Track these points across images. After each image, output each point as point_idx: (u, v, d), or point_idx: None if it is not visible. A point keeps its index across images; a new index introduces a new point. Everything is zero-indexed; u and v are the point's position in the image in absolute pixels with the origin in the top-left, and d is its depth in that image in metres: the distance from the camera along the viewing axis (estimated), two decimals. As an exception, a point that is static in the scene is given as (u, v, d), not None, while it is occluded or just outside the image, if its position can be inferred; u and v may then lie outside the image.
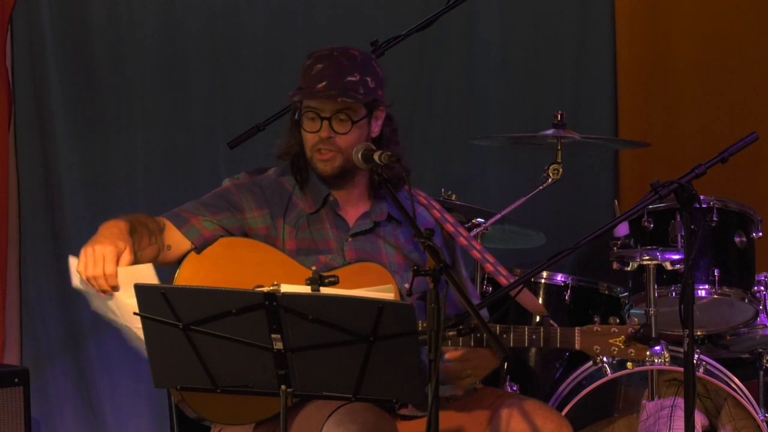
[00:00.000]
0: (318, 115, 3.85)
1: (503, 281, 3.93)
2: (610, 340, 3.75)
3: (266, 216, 3.86)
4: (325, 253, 3.85)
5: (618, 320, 3.76)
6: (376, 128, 3.91)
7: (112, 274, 3.58)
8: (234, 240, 3.82)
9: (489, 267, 3.98)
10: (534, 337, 3.72)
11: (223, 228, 3.81)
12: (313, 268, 3.71)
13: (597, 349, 3.74)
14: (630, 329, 3.74)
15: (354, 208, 3.93)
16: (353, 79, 3.83)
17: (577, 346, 3.74)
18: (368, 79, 3.86)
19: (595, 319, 3.77)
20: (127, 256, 3.61)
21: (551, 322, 3.75)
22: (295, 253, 3.82)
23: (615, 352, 3.75)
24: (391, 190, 3.71)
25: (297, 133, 3.93)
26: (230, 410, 3.66)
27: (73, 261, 3.60)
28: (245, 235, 3.85)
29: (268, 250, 3.81)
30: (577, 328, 3.75)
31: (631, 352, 3.75)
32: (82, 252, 3.60)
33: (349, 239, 3.88)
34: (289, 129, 3.95)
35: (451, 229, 3.97)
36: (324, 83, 3.82)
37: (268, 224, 3.85)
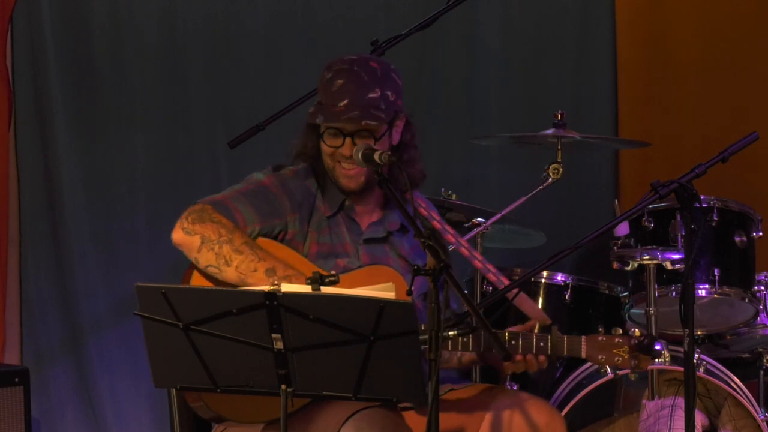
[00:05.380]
0: (340, 131, 3.82)
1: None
2: (614, 350, 3.78)
3: (296, 221, 3.84)
4: (342, 256, 3.85)
5: (620, 330, 3.78)
6: (396, 137, 3.89)
7: None
8: (261, 240, 3.80)
9: (492, 277, 4.00)
10: (542, 344, 3.76)
11: (262, 236, 3.79)
12: (332, 271, 3.70)
13: (602, 358, 3.78)
14: (633, 340, 3.77)
15: (368, 215, 3.93)
16: (374, 95, 3.79)
17: (583, 355, 3.78)
18: (388, 93, 3.82)
19: (600, 329, 3.79)
20: None
21: (557, 330, 3.78)
22: (315, 257, 3.82)
23: (619, 362, 3.78)
24: (391, 190, 3.69)
25: (314, 136, 3.89)
26: (250, 408, 3.64)
27: None
28: (277, 236, 3.83)
29: (290, 254, 3.80)
30: (582, 336, 3.78)
31: (634, 363, 3.78)
32: None
33: (362, 244, 3.89)
34: (305, 131, 3.90)
35: (452, 240, 3.99)
36: (346, 101, 3.78)
37: (296, 230, 3.84)
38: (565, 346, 3.77)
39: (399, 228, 3.94)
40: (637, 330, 3.79)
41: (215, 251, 3.67)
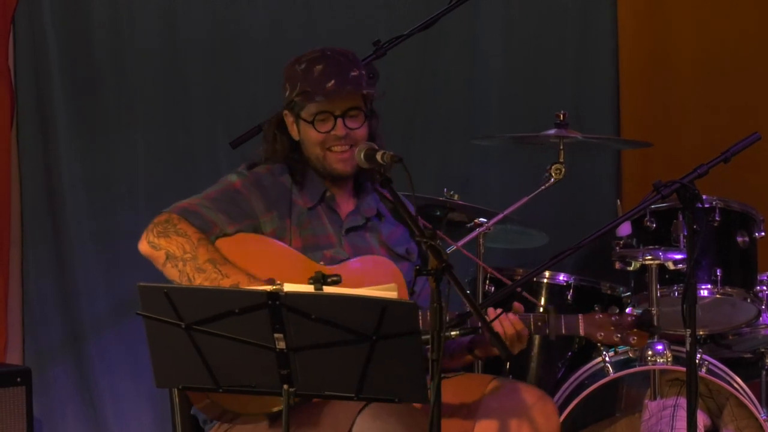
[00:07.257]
0: (331, 114, 3.85)
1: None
2: (613, 328, 3.83)
3: (274, 218, 3.86)
4: (327, 247, 3.87)
5: (617, 309, 3.83)
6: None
7: None
8: (246, 236, 3.82)
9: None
10: (540, 323, 3.80)
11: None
12: (321, 262, 3.72)
13: (601, 336, 3.83)
14: (629, 318, 3.83)
15: (345, 203, 3.96)
16: (355, 73, 3.86)
17: (582, 332, 3.83)
18: (363, 73, 3.89)
19: (596, 308, 3.84)
20: None
21: (554, 310, 3.84)
22: (301, 251, 3.83)
23: (617, 340, 3.83)
24: (393, 191, 3.69)
25: (283, 136, 3.93)
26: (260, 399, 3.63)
27: None
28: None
29: (277, 246, 3.81)
30: (579, 315, 3.83)
31: (633, 339, 3.84)
32: None
33: (344, 234, 3.91)
34: (271, 136, 3.96)
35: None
36: (333, 81, 3.83)
37: (275, 227, 3.85)
38: (563, 324, 3.82)
39: (375, 214, 3.97)
40: (632, 310, 3.85)
41: (179, 269, 3.70)
